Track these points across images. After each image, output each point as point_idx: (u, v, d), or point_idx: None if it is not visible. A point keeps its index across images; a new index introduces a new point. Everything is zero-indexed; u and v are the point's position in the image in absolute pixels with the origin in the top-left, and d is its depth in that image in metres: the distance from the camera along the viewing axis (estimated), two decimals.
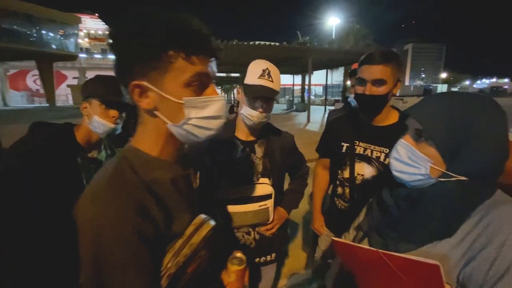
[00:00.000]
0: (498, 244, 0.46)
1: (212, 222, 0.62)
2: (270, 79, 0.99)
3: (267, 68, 0.99)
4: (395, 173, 0.63)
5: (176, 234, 0.55)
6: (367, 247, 0.65)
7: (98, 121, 0.99)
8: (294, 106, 20.34)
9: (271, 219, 1.10)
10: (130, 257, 0.45)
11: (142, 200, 0.49)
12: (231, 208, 1.08)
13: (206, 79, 0.52)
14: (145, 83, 0.48)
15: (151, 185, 0.51)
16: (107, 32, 0.49)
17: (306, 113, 12.67)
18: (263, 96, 0.99)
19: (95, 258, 0.44)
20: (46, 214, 0.89)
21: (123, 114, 1.07)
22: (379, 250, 0.56)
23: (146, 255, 0.47)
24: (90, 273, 0.45)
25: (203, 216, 0.62)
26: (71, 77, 33.86)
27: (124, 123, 1.09)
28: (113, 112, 1.02)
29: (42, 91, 24.95)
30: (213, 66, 0.53)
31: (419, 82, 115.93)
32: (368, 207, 0.84)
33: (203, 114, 0.52)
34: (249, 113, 1.00)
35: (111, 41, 0.48)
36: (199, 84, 0.51)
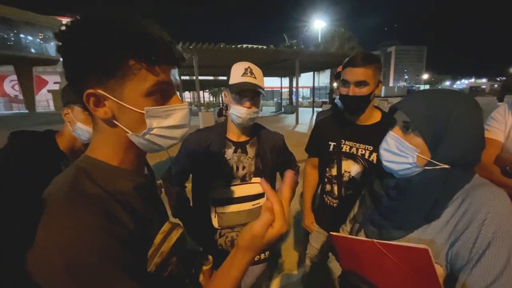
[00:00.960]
0: (478, 223, 0.52)
1: (180, 229, 0.60)
2: (253, 75, 1.03)
3: (248, 67, 1.03)
4: (384, 163, 0.67)
5: (146, 244, 0.52)
6: (363, 238, 0.69)
7: (82, 128, 0.97)
8: (283, 109, 20.55)
9: None
10: (114, 262, 0.42)
11: (108, 208, 0.45)
12: (225, 208, 1.10)
13: (169, 87, 0.50)
14: (101, 92, 0.45)
15: (115, 195, 0.48)
16: (55, 33, 0.44)
17: (294, 115, 12.83)
18: (248, 90, 1.01)
19: (72, 281, 0.39)
20: (30, 222, 0.88)
21: None
22: (374, 240, 0.61)
23: (127, 256, 0.44)
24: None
25: (170, 223, 0.60)
26: (52, 82, 32.66)
27: None
28: None
29: (21, 97, 23.97)
30: (175, 74, 0.51)
31: (402, 83, 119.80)
32: (361, 199, 0.88)
33: (166, 124, 0.50)
34: (237, 111, 1.02)
35: (60, 43, 0.43)
36: (161, 93, 0.49)
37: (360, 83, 1.09)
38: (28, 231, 0.84)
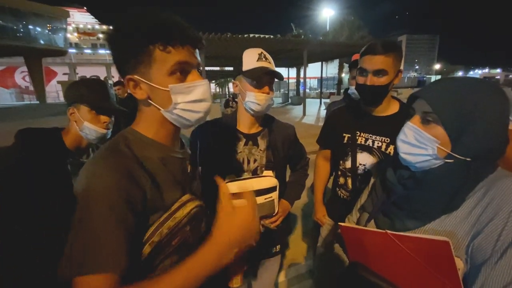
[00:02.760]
0: (504, 215, 0.49)
1: (197, 201, 0.67)
2: (268, 61, 1.00)
3: (261, 52, 1.01)
4: (402, 155, 0.63)
5: (162, 208, 0.59)
6: (375, 229, 0.66)
7: (89, 127, 0.97)
8: (290, 100, 20.33)
9: (276, 211, 1.11)
10: (116, 219, 0.49)
11: (132, 170, 0.54)
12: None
13: (188, 66, 0.57)
14: (136, 77, 0.55)
15: (142, 160, 0.57)
16: (107, 37, 0.56)
17: (301, 106, 12.68)
18: (266, 75, 0.98)
19: (80, 216, 0.49)
20: (36, 222, 0.88)
21: (113, 118, 1.04)
22: (387, 231, 0.58)
23: (131, 220, 0.51)
24: (74, 229, 0.49)
25: (191, 195, 0.66)
26: (61, 73, 33.10)
27: (113, 127, 1.07)
28: (104, 118, 0.99)
29: (31, 88, 24.39)
30: (196, 54, 0.59)
31: (413, 74, 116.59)
32: (371, 188, 0.84)
33: (189, 99, 0.58)
34: (256, 98, 0.99)
35: (108, 43, 0.55)
36: (182, 72, 0.56)
37: (379, 72, 1.03)
38: (28, 231, 0.83)
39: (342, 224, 0.73)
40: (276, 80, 1.05)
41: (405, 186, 0.65)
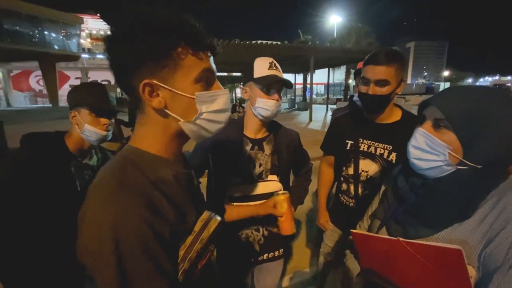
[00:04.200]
0: None
1: (218, 218, 0.64)
2: (278, 69, 1.06)
3: (272, 61, 1.06)
4: (413, 161, 0.63)
5: (187, 231, 0.55)
6: (387, 236, 0.66)
7: (90, 129, 1.00)
8: (296, 105, 20.32)
9: None
10: (151, 259, 0.45)
11: (152, 199, 0.48)
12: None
13: (212, 74, 0.54)
14: (156, 82, 0.48)
15: (157, 184, 0.51)
16: (106, 34, 0.49)
17: (308, 112, 12.66)
18: (277, 83, 1.03)
19: (117, 262, 0.42)
20: (42, 222, 0.89)
21: (113, 120, 1.09)
22: (400, 238, 0.58)
23: (164, 256, 0.47)
24: (112, 278, 0.42)
25: (209, 212, 0.64)
26: (74, 77, 33.94)
27: (113, 129, 1.11)
28: (104, 120, 1.03)
29: (45, 91, 25.06)
30: (212, 62, 0.55)
31: (421, 80, 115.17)
32: (382, 195, 0.85)
33: (213, 108, 0.54)
34: (266, 104, 1.03)
35: (109, 43, 0.48)
36: (207, 80, 0.53)
37: (380, 82, 1.05)
38: (28, 235, 0.86)
39: (354, 231, 0.73)
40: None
41: (417, 194, 0.65)
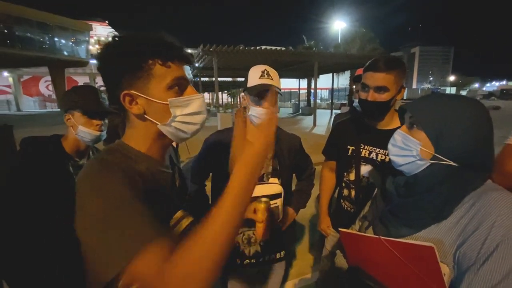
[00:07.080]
0: (488, 226, 0.53)
1: (190, 218, 0.68)
2: (270, 77, 1.07)
3: (265, 69, 1.07)
4: (391, 157, 0.72)
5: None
6: (370, 235, 0.71)
7: (83, 130, 1.06)
8: (300, 110, 20.34)
9: (281, 217, 1.15)
10: (133, 195, 0.50)
11: (133, 177, 0.54)
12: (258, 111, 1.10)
13: (185, 81, 0.60)
14: (133, 92, 0.56)
15: (138, 172, 0.57)
16: (96, 55, 0.57)
17: (312, 117, 12.68)
18: (265, 91, 1.04)
19: (99, 216, 0.47)
20: (43, 222, 0.92)
21: (106, 121, 1.13)
22: (381, 237, 0.63)
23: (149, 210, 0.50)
24: (97, 230, 0.46)
25: (183, 211, 0.68)
26: (82, 82, 34.63)
27: (108, 129, 1.15)
28: (97, 121, 1.08)
29: (54, 96, 25.60)
30: (188, 71, 0.62)
31: (426, 85, 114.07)
32: (373, 199, 0.89)
33: (187, 111, 0.60)
34: (257, 112, 1.05)
35: (99, 64, 0.57)
36: (179, 87, 0.59)
37: (380, 89, 1.07)
38: (28, 234, 0.88)
39: (342, 229, 0.78)
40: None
41: (399, 194, 0.70)
